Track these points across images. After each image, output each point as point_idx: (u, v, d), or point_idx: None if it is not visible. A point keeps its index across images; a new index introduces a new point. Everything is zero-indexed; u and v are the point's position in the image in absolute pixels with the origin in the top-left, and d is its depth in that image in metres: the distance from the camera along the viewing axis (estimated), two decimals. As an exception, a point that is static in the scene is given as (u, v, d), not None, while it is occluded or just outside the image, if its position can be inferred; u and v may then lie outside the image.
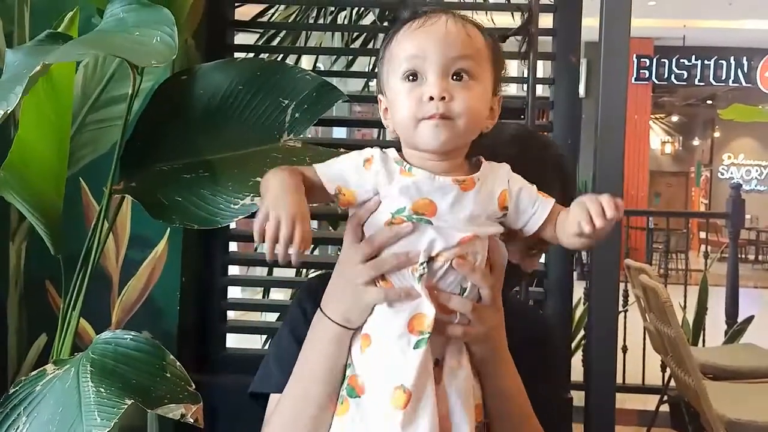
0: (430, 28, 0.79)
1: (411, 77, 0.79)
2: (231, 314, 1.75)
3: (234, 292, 1.90)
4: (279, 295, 2.99)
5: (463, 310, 0.80)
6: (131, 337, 1.11)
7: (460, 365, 0.80)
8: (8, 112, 0.89)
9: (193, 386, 1.08)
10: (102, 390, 1.02)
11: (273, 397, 0.94)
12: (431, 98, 0.77)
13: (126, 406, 1.00)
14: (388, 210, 0.79)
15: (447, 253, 0.78)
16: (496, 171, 0.83)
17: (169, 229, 1.49)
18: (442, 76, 0.78)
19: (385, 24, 2.62)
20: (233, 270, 1.75)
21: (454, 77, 0.78)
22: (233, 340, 1.76)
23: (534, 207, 0.82)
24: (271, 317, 2.35)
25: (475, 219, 0.79)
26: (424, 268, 0.78)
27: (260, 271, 2.81)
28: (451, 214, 0.78)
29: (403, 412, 0.74)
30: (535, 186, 0.84)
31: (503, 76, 0.86)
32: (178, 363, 1.09)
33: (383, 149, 0.82)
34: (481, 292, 0.81)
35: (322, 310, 0.86)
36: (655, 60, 10.32)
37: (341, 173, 0.81)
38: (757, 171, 14.37)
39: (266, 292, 2.51)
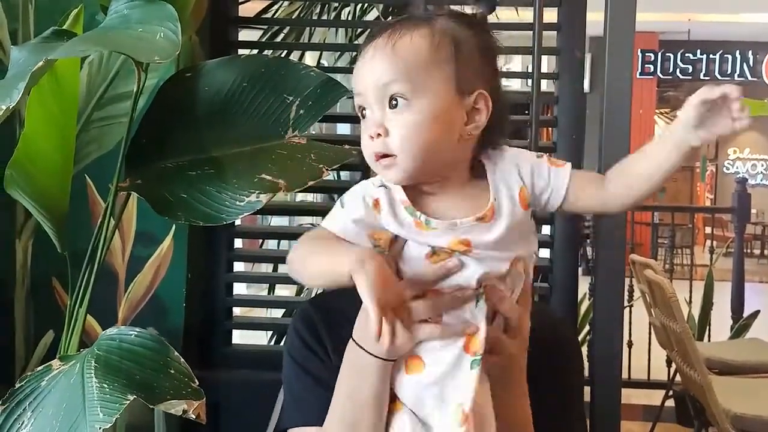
0: (364, 57, 0.76)
1: (363, 112, 0.77)
2: (236, 311, 1.75)
3: (239, 289, 1.91)
4: (284, 291, 3.00)
5: (492, 334, 0.77)
6: (136, 333, 1.11)
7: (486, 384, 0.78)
8: (11, 108, 0.90)
9: (197, 382, 1.08)
10: (105, 385, 1.02)
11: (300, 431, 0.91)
12: (371, 137, 0.74)
13: (128, 402, 1.00)
14: (427, 244, 0.75)
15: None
16: (504, 169, 0.78)
17: (174, 225, 1.49)
18: (378, 106, 0.74)
19: (390, 19, 2.62)
20: (238, 266, 1.75)
21: (392, 105, 0.73)
22: (239, 337, 1.76)
23: (550, 184, 0.77)
24: (277, 313, 2.35)
25: (511, 239, 0.76)
26: (481, 301, 0.75)
27: (265, 268, 2.81)
28: (487, 247, 0.75)
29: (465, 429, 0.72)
30: (545, 156, 0.79)
31: (492, 62, 0.79)
32: (181, 359, 1.09)
33: (386, 185, 0.77)
34: (508, 322, 0.79)
35: (358, 344, 0.81)
36: (659, 54, 10.27)
37: (362, 219, 0.76)
38: (762, 165, 14.31)
39: (271, 289, 2.51)
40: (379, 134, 0.74)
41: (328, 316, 0.96)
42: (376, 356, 0.79)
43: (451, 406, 0.74)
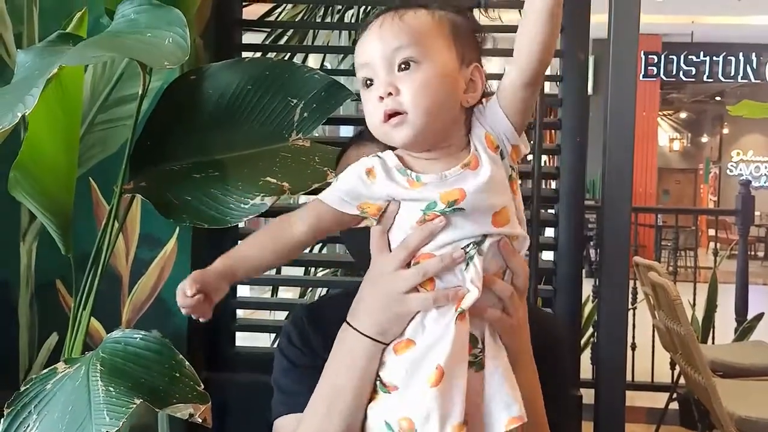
0: (368, 31, 0.79)
1: (368, 82, 0.79)
2: (240, 312, 1.75)
3: (243, 291, 1.91)
4: (287, 293, 3.00)
5: (505, 295, 0.79)
6: (141, 336, 1.11)
7: (500, 351, 0.79)
8: (27, 114, 0.90)
9: (202, 386, 1.08)
10: (111, 389, 1.03)
11: (285, 419, 0.93)
12: (381, 98, 0.76)
13: (135, 406, 1.00)
14: (418, 208, 0.77)
15: (491, 239, 0.77)
16: (475, 125, 0.80)
17: (178, 228, 1.49)
18: (387, 72, 0.77)
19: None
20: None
21: (402, 68, 0.77)
22: (241, 339, 1.76)
23: (491, 117, 0.79)
24: (280, 315, 2.35)
25: (497, 186, 0.77)
26: (472, 259, 0.76)
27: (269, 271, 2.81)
28: (476, 194, 0.76)
29: (436, 389, 0.73)
30: (485, 99, 0.81)
31: (481, 45, 0.82)
32: (187, 362, 1.09)
33: (379, 154, 0.80)
34: (515, 280, 0.80)
35: (351, 326, 0.83)
36: (663, 56, 10.26)
37: (352, 191, 0.79)
38: (766, 167, 14.29)
39: (275, 291, 2.51)
40: (390, 93, 0.76)
41: (318, 319, 0.99)
42: (370, 337, 0.80)
43: (429, 367, 0.74)
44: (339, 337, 0.85)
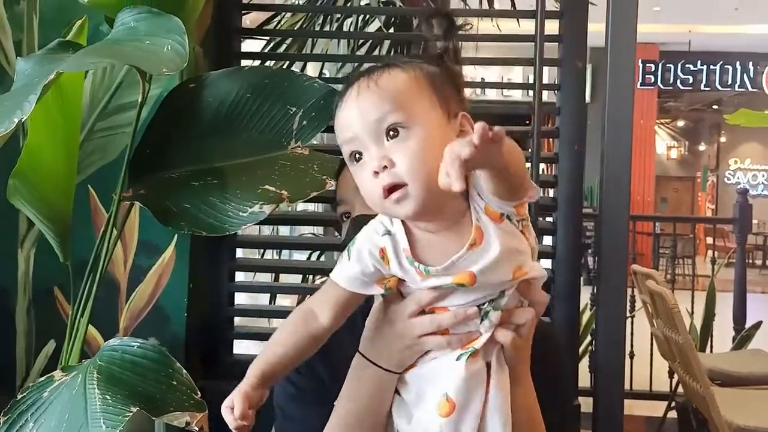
0: (345, 103, 0.76)
1: (357, 156, 0.76)
2: (237, 320, 1.75)
3: (241, 299, 1.91)
4: (285, 301, 2.99)
5: (522, 321, 0.78)
6: (138, 344, 1.11)
7: (504, 372, 0.79)
8: (23, 120, 0.90)
9: (199, 394, 1.08)
10: (108, 397, 1.02)
11: None
12: (376, 173, 0.73)
13: (131, 414, 1.00)
14: (431, 287, 0.77)
15: (509, 291, 0.77)
16: (473, 190, 0.76)
17: (176, 235, 1.49)
18: (376, 144, 0.74)
19: (391, 31, 2.63)
20: (239, 276, 1.75)
21: (391, 136, 0.73)
22: (239, 347, 1.76)
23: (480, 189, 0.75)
24: (278, 323, 2.35)
25: (510, 254, 0.75)
26: (487, 314, 0.76)
27: (267, 278, 2.81)
28: (487, 274, 0.75)
29: (448, 420, 0.74)
30: None
31: (461, 90, 0.79)
32: (184, 371, 1.09)
33: (390, 230, 0.77)
34: (533, 306, 0.80)
35: (369, 360, 0.83)
36: (660, 65, 10.31)
37: (369, 272, 0.77)
38: (763, 176, 14.32)
39: (273, 298, 2.51)
40: (384, 167, 0.73)
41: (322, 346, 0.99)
42: (383, 368, 0.81)
43: (437, 395, 0.76)
44: (355, 368, 0.85)
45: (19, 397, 1.09)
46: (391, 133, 0.73)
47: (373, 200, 0.75)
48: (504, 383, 0.79)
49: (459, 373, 0.75)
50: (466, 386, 0.75)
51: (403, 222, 0.77)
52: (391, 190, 0.73)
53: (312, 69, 3.02)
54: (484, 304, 0.76)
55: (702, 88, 10.61)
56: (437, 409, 0.75)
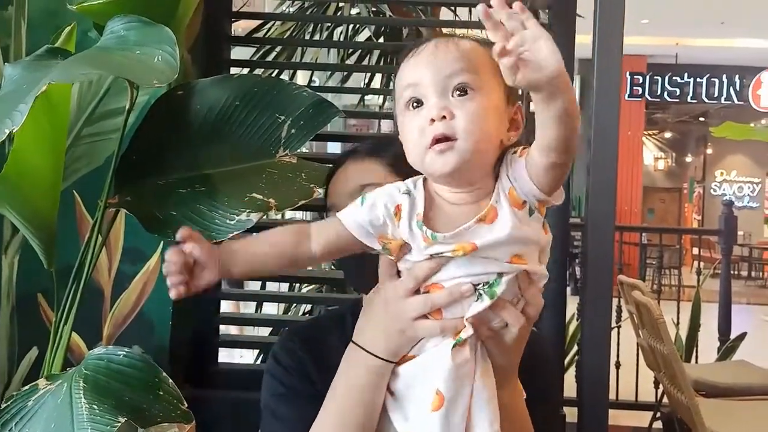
0: (422, 52, 0.78)
1: (414, 104, 0.77)
2: (223, 328, 1.75)
3: (227, 307, 1.90)
4: (271, 309, 2.98)
5: (512, 322, 0.79)
6: (124, 353, 1.10)
7: (489, 368, 0.80)
8: (14, 131, 0.89)
9: (186, 404, 1.07)
10: (95, 407, 1.01)
11: None
12: (432, 120, 0.74)
13: (119, 424, 0.99)
14: (432, 254, 0.77)
15: (507, 276, 0.77)
16: (503, 173, 0.78)
17: (162, 242, 1.48)
18: (441, 95, 0.75)
19: (381, 41, 2.64)
20: (225, 284, 1.75)
21: (456, 94, 0.75)
22: (226, 356, 1.75)
23: (518, 176, 0.77)
24: (264, 332, 2.34)
25: (518, 241, 0.76)
26: (482, 296, 0.77)
27: (253, 286, 2.80)
28: (488, 249, 0.76)
29: (437, 414, 0.75)
30: (518, 149, 0.79)
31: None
32: (170, 380, 1.08)
33: (412, 190, 0.79)
34: (527, 308, 0.81)
35: (360, 347, 0.84)
36: (648, 77, 10.40)
37: (377, 223, 0.78)
38: (749, 188, 14.46)
39: (259, 306, 2.50)
40: (443, 117, 0.74)
41: (311, 344, 1.00)
42: (378, 356, 0.82)
43: (428, 390, 0.76)
44: (348, 357, 0.86)
45: (3, 406, 1.07)
46: (458, 91, 0.75)
47: (416, 149, 0.77)
48: (488, 374, 0.79)
49: (447, 364, 0.76)
50: (453, 378, 0.75)
51: (425, 188, 0.79)
52: (439, 141, 0.74)
53: (301, 77, 3.02)
54: (479, 285, 0.77)
55: (689, 100, 10.71)
56: (429, 405, 0.75)
